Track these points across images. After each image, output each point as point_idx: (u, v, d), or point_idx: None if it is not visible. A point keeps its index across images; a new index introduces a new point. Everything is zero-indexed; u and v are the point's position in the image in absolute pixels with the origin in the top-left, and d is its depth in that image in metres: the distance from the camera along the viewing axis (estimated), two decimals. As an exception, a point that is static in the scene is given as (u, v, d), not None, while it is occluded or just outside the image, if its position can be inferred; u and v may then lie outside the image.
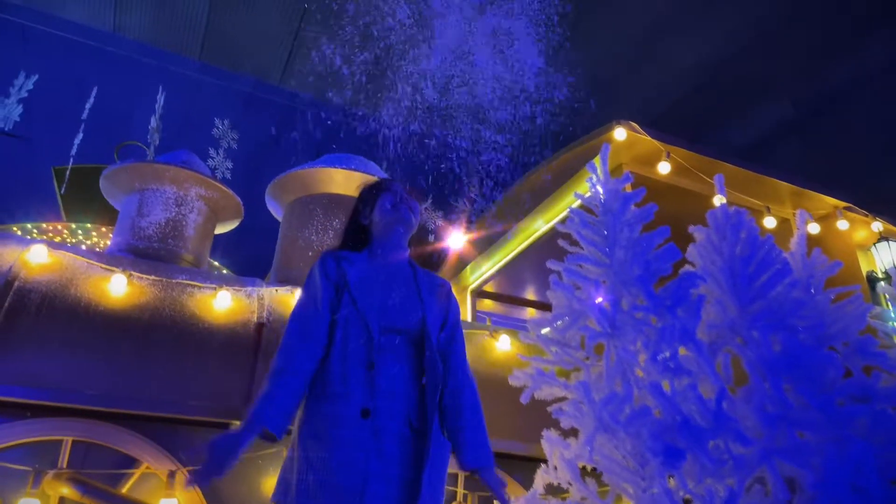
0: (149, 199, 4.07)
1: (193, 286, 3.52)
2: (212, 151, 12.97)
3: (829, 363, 3.17)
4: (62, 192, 14.93)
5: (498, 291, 6.88)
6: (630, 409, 2.63)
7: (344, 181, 4.51)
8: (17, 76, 13.21)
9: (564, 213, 5.24)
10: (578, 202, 3.57)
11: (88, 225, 14.99)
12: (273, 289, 3.81)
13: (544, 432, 3.12)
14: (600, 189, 3.52)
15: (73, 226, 15.28)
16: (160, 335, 3.18)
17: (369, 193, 2.43)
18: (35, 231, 15.09)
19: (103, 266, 3.38)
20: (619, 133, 4.25)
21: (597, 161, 4.72)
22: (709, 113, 12.53)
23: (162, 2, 12.92)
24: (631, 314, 2.90)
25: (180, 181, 4.11)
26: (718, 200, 4.44)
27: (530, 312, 7.43)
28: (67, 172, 14.70)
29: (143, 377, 2.99)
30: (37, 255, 3.24)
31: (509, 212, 5.89)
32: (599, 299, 3.03)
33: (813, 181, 5.18)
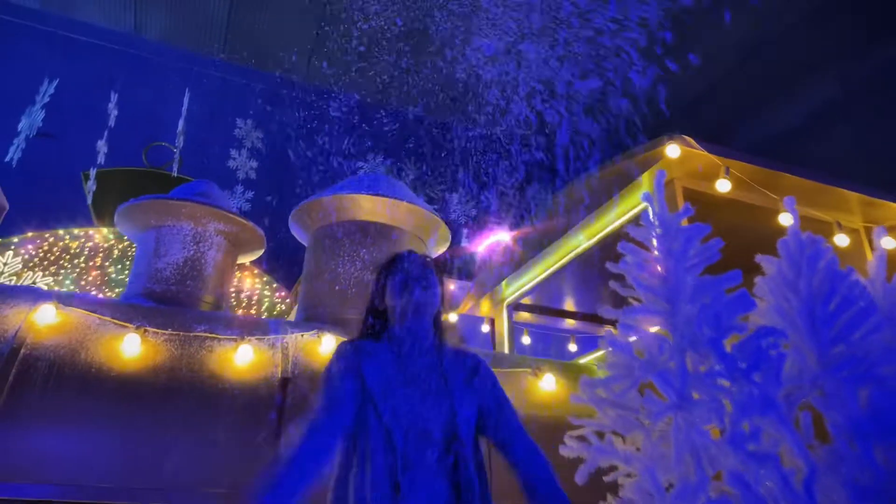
0: (165, 237, 3.82)
1: (213, 339, 3.26)
2: (234, 153, 12.81)
3: (925, 420, 2.78)
4: (91, 196, 14.99)
5: (535, 304, 6.54)
6: (705, 498, 2.29)
7: (370, 207, 4.20)
8: (42, 83, 13.20)
9: (609, 231, 4.87)
10: (630, 234, 3.20)
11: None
12: (298, 334, 3.53)
13: (601, 505, 2.80)
14: (656, 221, 3.13)
15: (105, 231, 15.31)
16: (177, 403, 2.93)
17: (380, 275, 2.11)
18: (67, 237, 15.12)
19: (116, 322, 3.14)
20: (672, 150, 3.84)
21: (646, 181, 4.33)
22: (750, 95, 11.89)
23: (181, 0, 12.69)
24: (700, 379, 2.54)
25: (198, 217, 3.85)
26: (787, 220, 4.01)
27: (569, 323, 7.07)
28: (92, 176, 14.73)
29: (157, 459, 2.74)
30: (45, 316, 3.01)
31: (550, 222, 5.53)
32: (665, 358, 2.68)
33: (883, 189, 4.70)
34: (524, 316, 6.79)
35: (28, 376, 2.76)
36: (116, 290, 14.69)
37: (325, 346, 3.49)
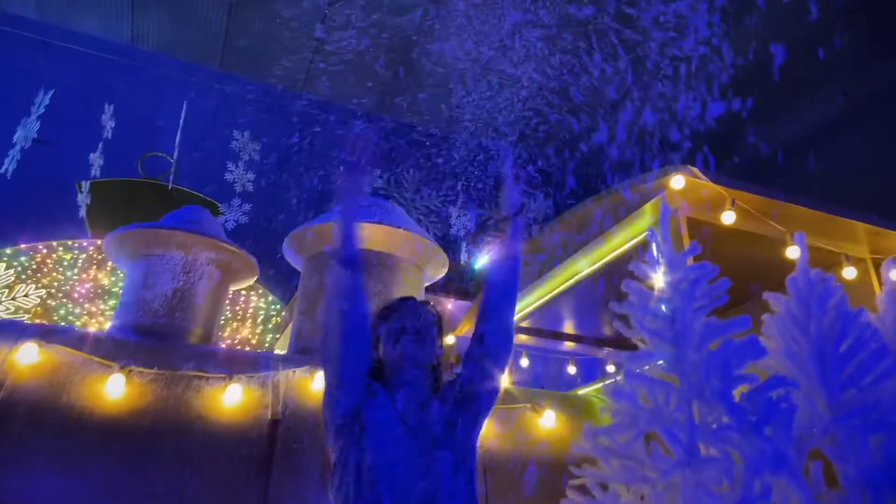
0: (155, 267, 3.71)
1: (201, 378, 3.14)
2: (231, 165, 12.71)
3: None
4: (85, 207, 14.85)
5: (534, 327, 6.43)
6: (715, 564, 2.17)
7: (366, 235, 4.09)
8: (37, 93, 13.10)
9: (610, 258, 4.76)
10: (634, 271, 3.09)
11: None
12: (290, 371, 3.42)
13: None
14: (660, 258, 3.02)
15: (99, 242, 15.16)
16: (162, 449, 2.81)
17: (375, 324, 2.01)
18: (61, 249, 14.93)
19: (100, 361, 3.02)
20: (677, 181, 3.74)
21: (649, 210, 4.23)
22: (751, 111, 11.83)
23: (178, 10, 12.61)
24: (709, 433, 2.43)
25: (188, 246, 3.74)
26: (794, 253, 3.92)
27: (568, 345, 6.96)
28: (86, 188, 14.59)
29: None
30: (27, 355, 2.89)
31: (548, 246, 5.43)
32: (672, 408, 2.57)
33: (889, 217, 4.61)
34: (522, 338, 6.67)
35: (7, 421, 2.64)
36: (110, 302, 14.54)
37: (318, 383, 3.37)
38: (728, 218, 3.84)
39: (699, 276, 2.81)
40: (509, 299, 1.98)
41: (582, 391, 4.75)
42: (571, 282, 5.18)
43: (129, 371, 3.01)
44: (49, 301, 15.24)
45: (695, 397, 2.49)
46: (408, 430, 1.83)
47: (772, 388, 2.54)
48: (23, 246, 14.79)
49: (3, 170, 12.49)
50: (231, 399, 3.09)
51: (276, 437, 3.06)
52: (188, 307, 3.68)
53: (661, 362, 2.68)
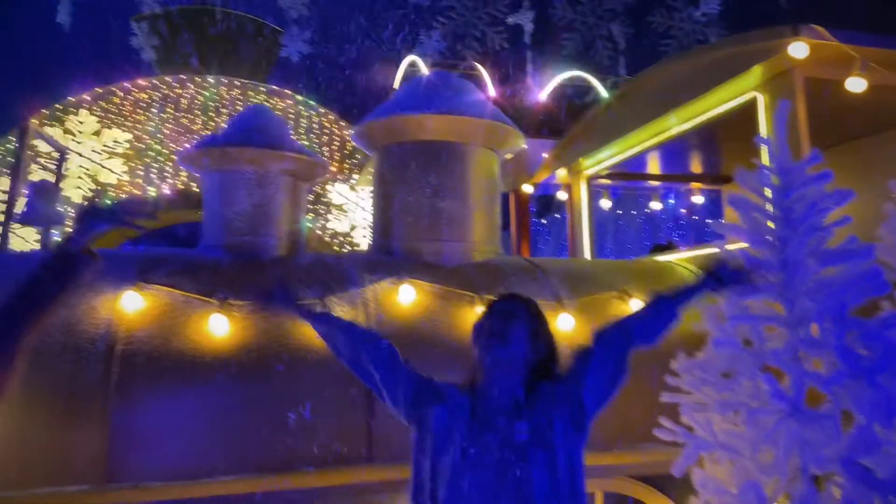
0: (229, 183, 3.69)
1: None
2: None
3: None
4: (148, 45, 14.61)
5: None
6: (812, 512, 2.20)
7: (434, 126, 3.85)
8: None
9: (703, 119, 4.29)
10: (740, 181, 2.77)
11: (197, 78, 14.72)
12: (377, 285, 3.49)
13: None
14: (773, 166, 2.67)
15: (168, 79, 15.14)
16: (273, 381, 3.05)
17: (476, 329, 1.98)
18: (135, 90, 15.05)
19: (201, 298, 3.17)
20: (798, 49, 3.14)
21: (757, 73, 3.65)
22: None
23: None
24: (816, 379, 2.32)
25: (258, 161, 3.65)
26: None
27: (653, 183, 6.67)
28: (143, 27, 14.20)
29: (268, 435, 2.93)
30: (131, 303, 3.05)
31: (637, 98, 4.94)
32: (778, 344, 2.43)
33: None
34: (604, 181, 6.42)
35: (131, 374, 2.87)
36: (194, 138, 14.88)
37: (403, 295, 3.44)
38: (856, 85, 3.27)
39: (817, 197, 2.48)
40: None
41: (672, 257, 4.62)
42: (660, 138, 4.77)
43: (229, 304, 3.15)
44: (137, 143, 15.78)
45: (804, 347, 2.35)
46: (479, 442, 1.80)
47: (891, 326, 2.35)
48: (99, 90, 15.02)
49: (58, 19, 12.21)
50: (326, 325, 3.21)
51: (373, 357, 3.22)
52: (270, 221, 3.70)
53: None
